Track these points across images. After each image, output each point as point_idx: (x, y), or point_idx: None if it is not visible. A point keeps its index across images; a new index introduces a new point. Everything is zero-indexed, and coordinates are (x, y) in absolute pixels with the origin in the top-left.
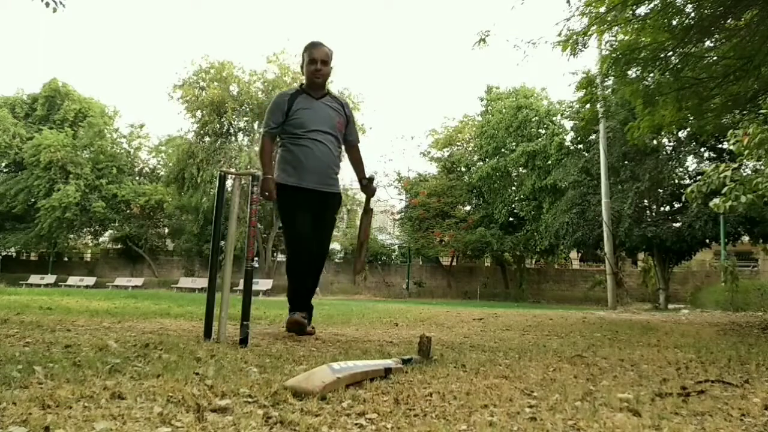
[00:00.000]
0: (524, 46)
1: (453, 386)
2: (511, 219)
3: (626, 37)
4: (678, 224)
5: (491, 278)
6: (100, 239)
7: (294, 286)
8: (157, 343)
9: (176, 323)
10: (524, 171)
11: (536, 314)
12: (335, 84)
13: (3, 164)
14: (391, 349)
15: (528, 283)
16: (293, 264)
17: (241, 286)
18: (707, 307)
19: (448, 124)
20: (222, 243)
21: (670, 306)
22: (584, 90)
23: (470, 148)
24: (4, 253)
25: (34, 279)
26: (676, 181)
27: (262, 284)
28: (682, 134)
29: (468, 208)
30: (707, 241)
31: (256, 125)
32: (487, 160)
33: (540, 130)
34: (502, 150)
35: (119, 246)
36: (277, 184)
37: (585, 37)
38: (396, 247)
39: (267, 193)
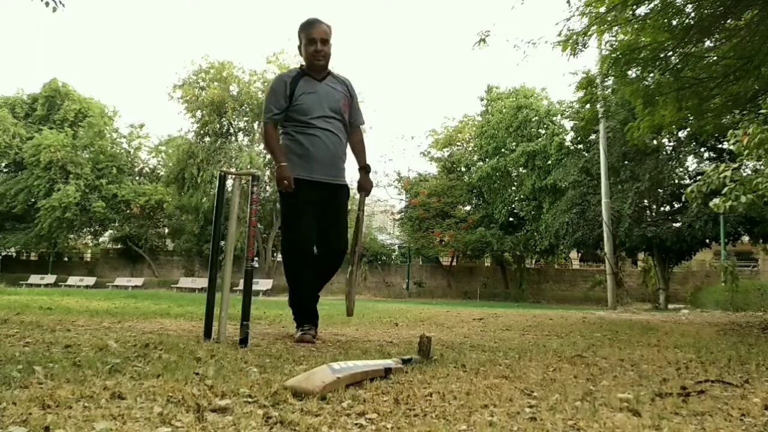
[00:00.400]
0: (524, 46)
1: (453, 386)
2: (511, 219)
3: (626, 37)
4: (678, 224)
5: (491, 278)
6: (100, 239)
7: (297, 294)
8: (157, 343)
9: (176, 323)
10: (524, 171)
11: (536, 314)
12: None
13: (3, 164)
14: (391, 349)
15: (528, 283)
16: (294, 270)
17: (241, 286)
18: (707, 307)
19: (448, 124)
20: (222, 243)
21: (670, 306)
22: (584, 90)
23: (470, 148)
24: (4, 253)
25: (34, 279)
26: (676, 181)
27: (262, 284)
28: (682, 134)
29: (468, 208)
30: (707, 241)
31: (256, 125)
32: (487, 160)
33: (540, 130)
34: (502, 150)
35: (119, 246)
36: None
37: (585, 37)
38: (396, 247)
39: (285, 182)
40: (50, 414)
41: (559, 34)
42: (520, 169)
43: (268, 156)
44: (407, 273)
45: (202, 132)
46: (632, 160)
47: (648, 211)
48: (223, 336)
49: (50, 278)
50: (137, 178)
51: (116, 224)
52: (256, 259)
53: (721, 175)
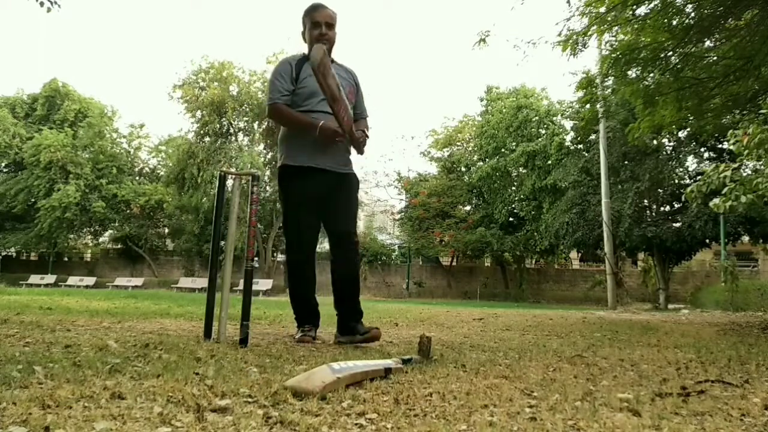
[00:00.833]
0: (524, 46)
1: (453, 386)
2: (511, 219)
3: (626, 37)
4: (678, 224)
5: (491, 278)
6: (100, 239)
7: (297, 294)
8: (157, 343)
9: (176, 323)
10: (524, 171)
11: (536, 314)
12: None
13: (3, 164)
14: (391, 349)
15: (528, 283)
16: (293, 269)
17: (241, 286)
18: (707, 307)
19: (448, 124)
20: (222, 243)
21: (670, 306)
22: (584, 90)
23: (470, 148)
24: (4, 253)
25: (34, 279)
26: (676, 181)
27: (262, 284)
28: (682, 134)
29: (468, 208)
30: (707, 241)
31: (256, 125)
32: (487, 160)
33: (540, 130)
34: (502, 150)
35: (119, 246)
36: (284, 167)
37: (585, 37)
38: (396, 247)
39: (339, 131)
40: (50, 414)
41: (559, 34)
42: (520, 169)
43: (269, 156)
44: (407, 273)
45: (202, 132)
46: (632, 160)
47: (648, 211)
48: (223, 336)
49: (50, 278)
50: (137, 178)
51: (116, 224)
52: (256, 259)
53: (721, 175)
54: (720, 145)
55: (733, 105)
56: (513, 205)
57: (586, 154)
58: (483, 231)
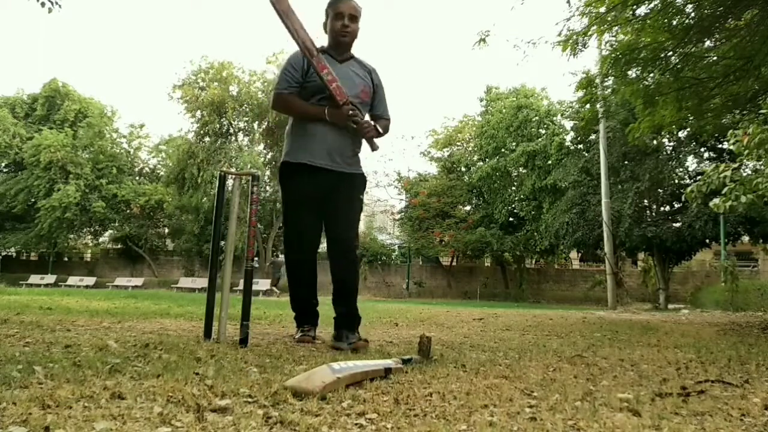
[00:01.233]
0: (524, 46)
1: (453, 386)
2: (511, 219)
3: (626, 37)
4: (678, 224)
5: (491, 278)
6: (100, 239)
7: (296, 295)
8: (157, 343)
9: (176, 323)
10: (524, 171)
11: (536, 314)
12: None
13: (3, 164)
14: (391, 349)
15: (528, 283)
16: (291, 269)
17: (241, 286)
18: (707, 307)
19: (448, 124)
20: (222, 243)
21: (670, 306)
22: (584, 90)
23: (470, 148)
24: (4, 253)
25: (34, 279)
26: (676, 181)
27: (262, 284)
28: (682, 134)
29: (468, 208)
30: (707, 241)
31: (256, 125)
32: (487, 160)
33: (540, 130)
34: (502, 150)
35: (119, 246)
36: (284, 164)
37: (585, 37)
38: (396, 247)
39: (350, 107)
40: (50, 414)
41: (559, 34)
42: (520, 169)
43: (269, 156)
44: (407, 273)
45: (202, 132)
46: (632, 160)
47: (648, 211)
48: (223, 336)
49: (50, 278)
50: (137, 178)
51: (116, 224)
52: (256, 259)
53: (721, 175)
54: (720, 145)
55: (733, 105)
56: (513, 205)
57: (586, 154)
58: (483, 231)
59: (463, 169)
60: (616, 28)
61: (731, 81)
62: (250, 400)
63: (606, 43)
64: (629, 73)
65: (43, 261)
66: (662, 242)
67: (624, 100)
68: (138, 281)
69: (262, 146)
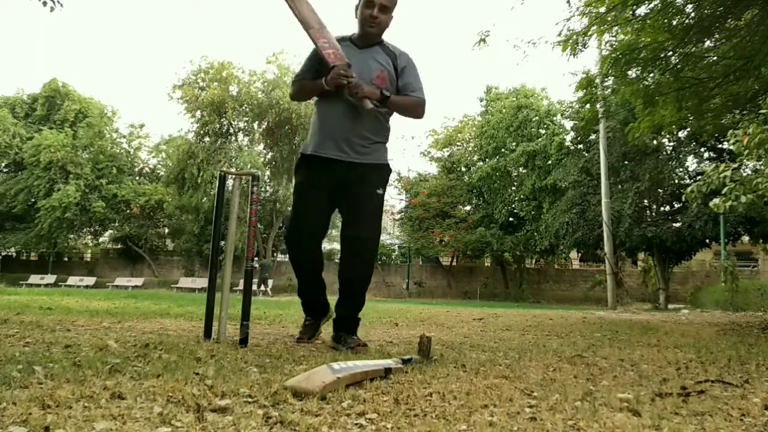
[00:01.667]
0: (524, 46)
1: (453, 386)
2: (511, 219)
3: (626, 37)
4: (678, 224)
5: (491, 278)
6: (100, 239)
7: (300, 294)
8: (157, 343)
9: (176, 323)
10: (524, 171)
11: (536, 314)
12: None
13: (3, 164)
14: (391, 349)
15: (528, 283)
16: (291, 258)
17: (241, 286)
18: (707, 307)
19: (448, 124)
20: (222, 243)
21: (670, 306)
22: (584, 90)
23: (470, 148)
24: (4, 253)
25: (34, 279)
26: (676, 181)
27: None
28: (682, 134)
29: (468, 208)
30: (707, 241)
31: (256, 125)
32: (487, 160)
33: (540, 130)
34: (502, 150)
35: (119, 246)
36: (300, 157)
37: (585, 37)
38: (396, 247)
39: (344, 69)
40: (50, 414)
41: (559, 34)
42: (520, 169)
43: (269, 156)
44: (407, 273)
45: (202, 132)
46: (632, 160)
47: (648, 211)
48: (223, 336)
49: (50, 278)
50: (137, 178)
51: (116, 224)
52: (256, 259)
53: (721, 175)
54: (720, 145)
55: (733, 105)
56: (513, 205)
57: (586, 154)
58: (483, 231)
59: (463, 169)
60: (616, 28)
61: (731, 81)
62: (250, 400)
63: (606, 43)
64: (629, 73)
65: (43, 261)
66: (662, 242)
67: (624, 100)
68: (138, 281)
69: (262, 146)
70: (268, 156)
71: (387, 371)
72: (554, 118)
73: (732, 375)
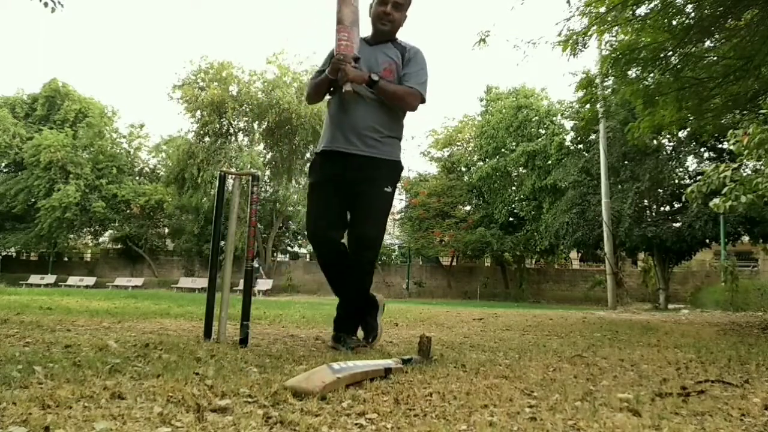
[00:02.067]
0: (524, 46)
1: (453, 386)
2: (511, 219)
3: (626, 37)
4: (678, 224)
5: (491, 278)
6: (100, 239)
7: (332, 288)
8: (157, 343)
9: (176, 323)
10: (524, 171)
11: (536, 314)
12: None
13: (3, 164)
14: (391, 349)
15: (528, 283)
16: (319, 263)
17: (241, 286)
18: (707, 307)
19: (448, 124)
20: (222, 243)
21: (670, 306)
22: (584, 90)
23: (470, 148)
24: (4, 253)
25: (34, 279)
26: (676, 181)
27: (262, 284)
28: (682, 134)
29: (468, 208)
30: (707, 241)
31: (256, 125)
32: (487, 160)
33: (540, 130)
34: (502, 150)
35: (119, 246)
36: (315, 155)
37: (585, 37)
38: (396, 247)
39: (339, 59)
40: (50, 414)
41: (559, 34)
42: (520, 169)
43: (269, 156)
44: (407, 273)
45: (202, 132)
46: (632, 160)
47: (648, 211)
48: (223, 336)
49: (50, 278)
50: (137, 178)
51: (116, 224)
52: (256, 258)
53: (721, 175)
54: (720, 145)
55: (733, 105)
56: (513, 205)
57: (586, 154)
58: (483, 231)
59: (463, 169)
60: (616, 28)
61: (731, 81)
62: (250, 400)
63: (606, 43)
64: (629, 73)
65: (43, 261)
66: (662, 242)
67: (624, 100)
68: (138, 281)
69: (262, 146)
70: (268, 156)
71: (387, 371)
72: (554, 118)
73: (732, 375)
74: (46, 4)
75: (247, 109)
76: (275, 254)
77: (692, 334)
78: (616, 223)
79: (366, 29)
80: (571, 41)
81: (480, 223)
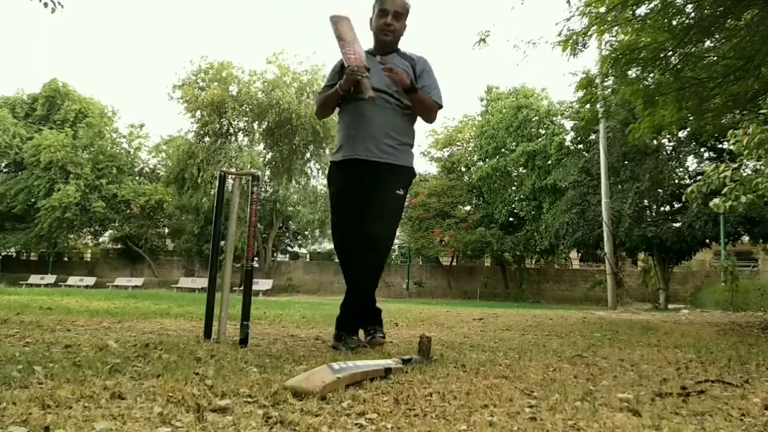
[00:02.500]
0: (524, 46)
1: (453, 386)
2: (511, 219)
3: (626, 37)
4: (678, 224)
5: (491, 278)
6: (100, 239)
7: (347, 295)
8: (157, 343)
9: (176, 323)
10: (524, 171)
11: (536, 314)
12: None
13: (3, 164)
14: (391, 349)
15: (528, 283)
16: (342, 267)
17: (241, 286)
18: (707, 307)
19: (448, 124)
20: (222, 243)
21: (670, 306)
22: (584, 90)
23: (470, 148)
24: (4, 253)
25: (34, 279)
26: (676, 181)
27: (262, 284)
28: (682, 134)
29: (468, 208)
30: (707, 241)
31: (256, 125)
32: (487, 160)
33: (540, 130)
34: (502, 150)
35: (119, 246)
36: (330, 165)
37: (585, 37)
38: (396, 247)
39: (356, 67)
40: (50, 414)
41: (559, 34)
42: (520, 169)
43: (269, 156)
44: (407, 273)
45: (202, 132)
46: (632, 160)
47: (648, 211)
48: (223, 336)
49: (50, 278)
50: (137, 178)
51: (116, 224)
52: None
53: (721, 175)
54: (720, 145)
55: (733, 105)
56: (513, 205)
57: (586, 154)
58: (483, 231)
59: (463, 169)
60: (616, 28)
61: (731, 81)
62: (250, 400)
63: (606, 43)
64: (629, 73)
65: (43, 261)
66: (662, 242)
67: (624, 100)
68: (138, 281)
69: (262, 146)
70: (268, 156)
71: (387, 371)
72: (554, 118)
73: (732, 375)
74: (46, 5)
75: (247, 109)
76: (275, 254)
77: (692, 334)
78: (616, 223)
79: (367, 42)
80: (571, 41)
81: (480, 223)
